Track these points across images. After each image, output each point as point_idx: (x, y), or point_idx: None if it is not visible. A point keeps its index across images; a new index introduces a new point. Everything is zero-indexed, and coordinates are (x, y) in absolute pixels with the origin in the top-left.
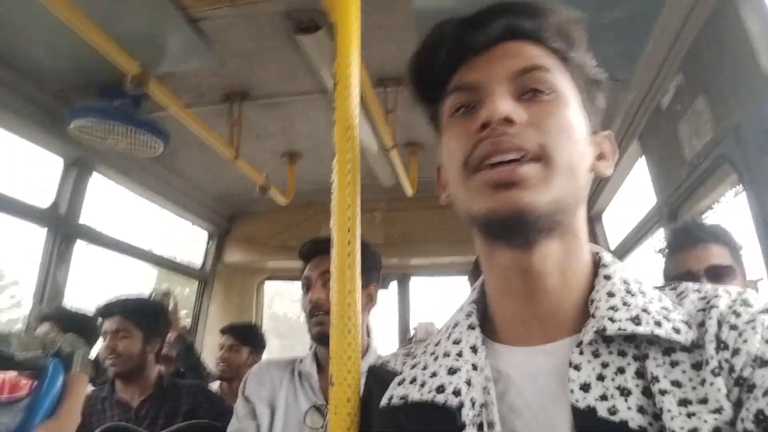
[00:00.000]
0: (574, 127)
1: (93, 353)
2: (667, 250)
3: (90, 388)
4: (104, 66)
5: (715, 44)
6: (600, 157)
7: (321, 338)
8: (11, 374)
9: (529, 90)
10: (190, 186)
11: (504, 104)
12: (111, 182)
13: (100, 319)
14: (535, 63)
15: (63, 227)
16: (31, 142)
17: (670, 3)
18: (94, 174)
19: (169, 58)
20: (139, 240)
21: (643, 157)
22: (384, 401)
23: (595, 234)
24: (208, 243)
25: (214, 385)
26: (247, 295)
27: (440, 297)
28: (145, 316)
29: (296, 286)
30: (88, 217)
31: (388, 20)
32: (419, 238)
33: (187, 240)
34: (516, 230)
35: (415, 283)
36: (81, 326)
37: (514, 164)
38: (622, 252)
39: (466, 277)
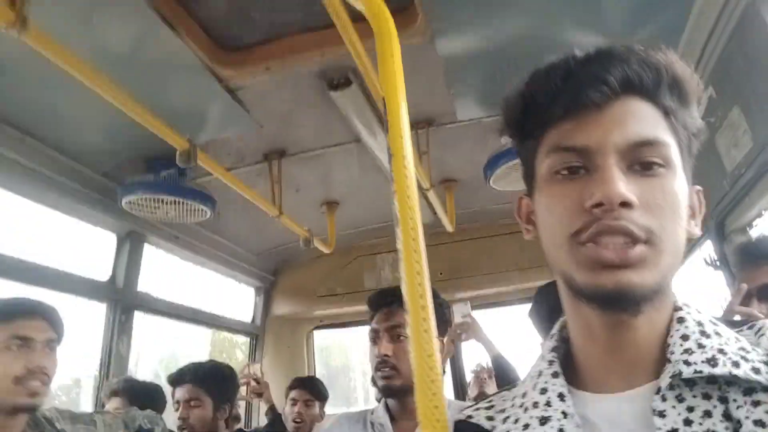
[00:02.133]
0: (680, 203)
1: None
2: (741, 263)
3: None
4: (150, 141)
5: (744, 54)
6: (691, 216)
7: (388, 392)
8: None
9: (641, 162)
10: (236, 245)
11: (621, 186)
12: (160, 251)
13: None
14: (652, 137)
15: (122, 299)
16: (84, 222)
17: (695, 18)
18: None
19: (211, 126)
20: (191, 303)
21: None
22: None
23: None
24: (255, 298)
25: None
26: (297, 346)
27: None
28: (215, 383)
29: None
30: (143, 287)
31: (416, 64)
32: (462, 271)
33: (236, 299)
34: (620, 305)
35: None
36: (149, 397)
37: (625, 247)
38: None
39: (511, 307)
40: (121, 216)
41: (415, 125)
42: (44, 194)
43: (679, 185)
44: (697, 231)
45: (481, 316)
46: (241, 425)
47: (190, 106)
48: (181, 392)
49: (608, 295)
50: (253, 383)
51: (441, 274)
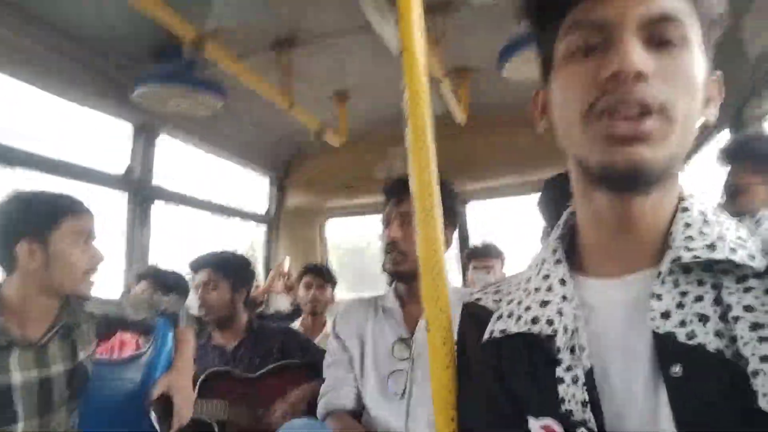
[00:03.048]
0: (697, 80)
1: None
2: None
3: None
4: (159, 31)
5: None
6: (707, 101)
7: (396, 275)
8: (118, 334)
9: (660, 38)
10: (248, 136)
11: (637, 56)
12: (176, 141)
13: (190, 274)
14: (673, 12)
15: (140, 190)
16: (99, 111)
17: None
18: (161, 136)
19: (218, 11)
20: (207, 194)
21: None
22: (486, 336)
23: None
24: (270, 189)
25: (296, 324)
26: (311, 235)
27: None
28: (232, 268)
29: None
30: (159, 178)
31: None
32: (474, 162)
33: (252, 189)
34: (632, 183)
35: (473, 207)
36: (174, 283)
37: (638, 119)
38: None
39: (524, 197)
40: (135, 108)
41: (430, 10)
42: (57, 83)
43: (696, 63)
44: (713, 117)
45: (491, 206)
46: (261, 309)
47: None
48: (199, 276)
49: (620, 174)
50: (283, 279)
51: (453, 163)
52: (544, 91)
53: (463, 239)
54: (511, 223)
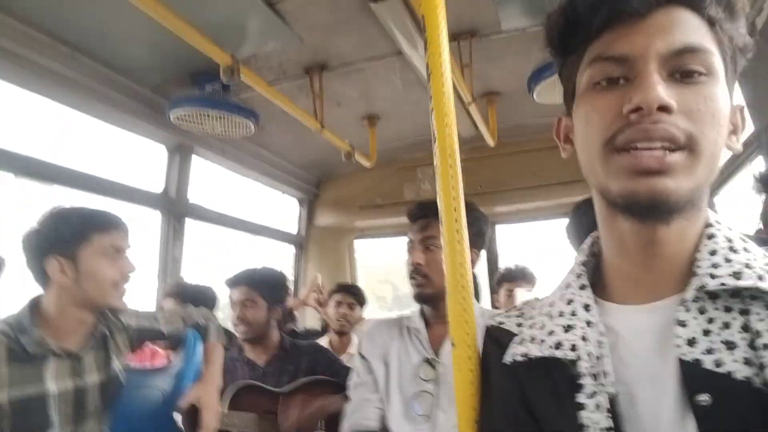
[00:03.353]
0: (721, 113)
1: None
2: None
3: None
4: (195, 56)
5: None
6: (732, 132)
7: (420, 298)
8: (150, 345)
9: (683, 71)
10: (280, 158)
11: (660, 90)
12: (209, 163)
13: (218, 290)
14: (695, 44)
15: (175, 208)
16: (136, 134)
17: None
18: (194, 157)
19: (252, 41)
20: (239, 214)
21: (737, 81)
22: (507, 359)
23: None
24: (300, 209)
25: (323, 340)
26: (339, 255)
27: (528, 242)
28: (268, 286)
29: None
30: (193, 197)
31: None
32: (502, 185)
33: (282, 210)
34: (654, 213)
35: (501, 230)
36: (201, 298)
37: (662, 152)
38: (716, 184)
39: (551, 221)
40: (170, 129)
41: (457, 37)
42: (98, 109)
43: (721, 94)
44: (738, 147)
45: (520, 229)
46: (294, 326)
47: (231, 20)
48: (236, 293)
49: (642, 202)
50: (316, 294)
51: (481, 187)
52: (566, 118)
53: (492, 261)
54: (540, 247)
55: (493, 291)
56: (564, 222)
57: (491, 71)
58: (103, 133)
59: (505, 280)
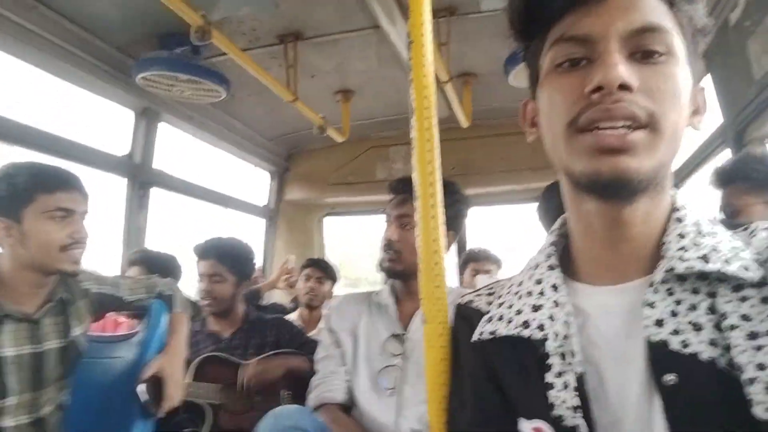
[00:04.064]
0: (682, 91)
1: None
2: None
3: None
4: (165, 16)
5: None
6: (694, 112)
7: (390, 273)
8: (113, 314)
9: (643, 50)
10: (250, 128)
11: (621, 69)
12: (177, 130)
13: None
14: (654, 23)
15: (139, 175)
16: (101, 96)
17: None
18: (162, 123)
19: (225, 3)
20: (207, 184)
21: (709, 75)
22: (475, 337)
23: None
24: (270, 182)
25: (293, 315)
26: (308, 230)
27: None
28: (237, 261)
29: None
30: (159, 164)
31: None
32: (475, 168)
33: (252, 182)
34: (616, 191)
35: (471, 213)
36: (166, 267)
37: (624, 131)
38: (683, 175)
39: (522, 205)
40: (137, 93)
41: (436, 13)
42: (60, 66)
43: (681, 74)
44: (700, 126)
45: (490, 212)
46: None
47: None
48: (204, 266)
49: (605, 180)
50: (286, 276)
51: (453, 168)
52: (532, 102)
53: (460, 243)
54: (509, 231)
55: (461, 272)
56: (533, 207)
57: (468, 51)
58: (71, 97)
59: (471, 260)
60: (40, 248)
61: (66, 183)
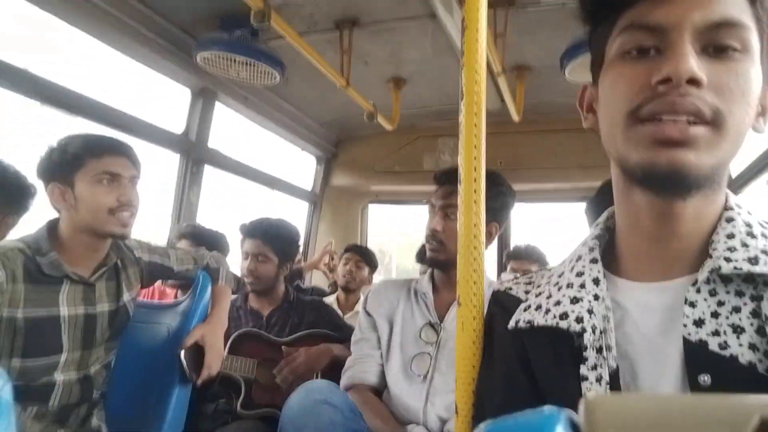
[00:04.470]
0: (752, 92)
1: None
2: None
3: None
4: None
5: None
6: (760, 113)
7: (432, 263)
8: (158, 283)
9: (717, 45)
10: (302, 112)
11: (692, 62)
12: (230, 110)
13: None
14: (733, 18)
15: (194, 152)
16: (160, 73)
17: None
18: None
19: None
20: (255, 165)
21: None
22: (511, 324)
23: None
24: (316, 167)
25: (330, 298)
26: (352, 217)
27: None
28: (282, 242)
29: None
30: (213, 143)
31: None
32: (522, 163)
33: (298, 166)
34: (672, 186)
35: (516, 209)
36: (213, 242)
37: (686, 124)
38: (743, 181)
39: (571, 204)
40: (196, 72)
41: (494, 5)
42: (125, 44)
43: (754, 73)
44: (763, 129)
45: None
46: (299, 282)
47: None
48: (251, 245)
49: (662, 173)
50: (327, 258)
51: (501, 163)
52: (592, 87)
53: (503, 238)
54: (555, 229)
55: (502, 269)
56: (580, 206)
57: (525, 44)
58: (129, 77)
59: (512, 257)
60: (89, 211)
61: (113, 148)
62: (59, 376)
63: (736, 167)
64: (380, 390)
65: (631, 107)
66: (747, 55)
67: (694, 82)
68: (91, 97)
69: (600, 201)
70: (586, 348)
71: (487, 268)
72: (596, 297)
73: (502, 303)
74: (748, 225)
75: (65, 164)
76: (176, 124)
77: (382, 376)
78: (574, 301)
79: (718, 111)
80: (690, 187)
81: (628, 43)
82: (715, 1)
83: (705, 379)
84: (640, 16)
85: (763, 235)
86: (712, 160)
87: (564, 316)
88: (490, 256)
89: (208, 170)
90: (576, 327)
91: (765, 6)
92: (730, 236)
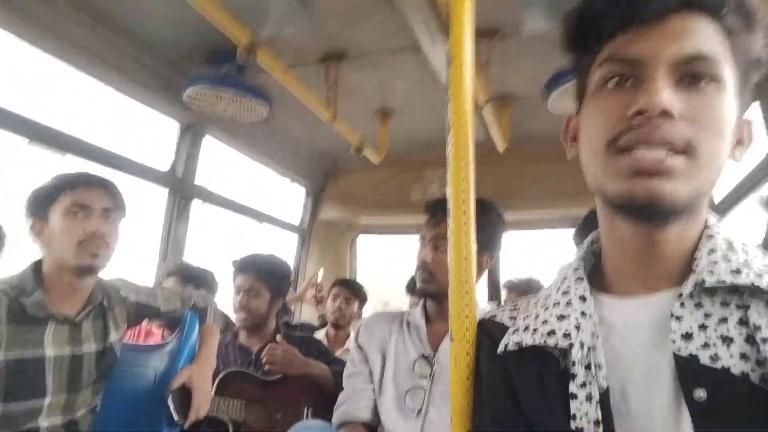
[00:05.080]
0: (726, 122)
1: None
2: None
3: None
4: (213, 35)
5: None
6: (738, 143)
7: (423, 294)
8: (144, 323)
9: (690, 76)
10: (289, 146)
11: (665, 96)
12: (219, 144)
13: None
14: (706, 53)
15: (181, 188)
16: (150, 108)
17: None
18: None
19: (272, 24)
20: (243, 198)
21: (757, 102)
22: (500, 348)
23: None
24: (305, 200)
25: (320, 333)
26: (341, 250)
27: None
28: (275, 278)
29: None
30: (201, 178)
31: None
32: (508, 193)
33: (287, 199)
34: (651, 214)
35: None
36: (202, 280)
37: (662, 155)
38: (726, 206)
39: (557, 230)
40: (184, 107)
41: (477, 34)
42: (114, 79)
43: (728, 104)
44: (741, 159)
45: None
46: (288, 319)
47: (252, 1)
48: (243, 280)
49: (639, 203)
50: (314, 290)
51: (487, 193)
52: (575, 118)
53: (492, 269)
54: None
55: (491, 298)
56: (568, 233)
57: (508, 74)
58: (118, 114)
59: (511, 290)
60: (59, 244)
61: (87, 181)
62: (44, 422)
63: (719, 192)
64: (373, 426)
65: (609, 138)
66: (720, 86)
67: (666, 114)
68: (78, 136)
69: (587, 228)
70: (574, 364)
71: (478, 300)
72: (583, 313)
73: (488, 331)
74: (728, 241)
75: (42, 199)
76: (165, 158)
77: (376, 411)
78: (561, 318)
79: (690, 142)
80: (668, 215)
81: (607, 75)
82: (689, 35)
83: (700, 394)
84: (618, 49)
85: (744, 250)
86: (688, 189)
87: (551, 333)
88: (479, 287)
89: (196, 203)
90: (564, 343)
91: (741, 39)
92: (712, 251)
